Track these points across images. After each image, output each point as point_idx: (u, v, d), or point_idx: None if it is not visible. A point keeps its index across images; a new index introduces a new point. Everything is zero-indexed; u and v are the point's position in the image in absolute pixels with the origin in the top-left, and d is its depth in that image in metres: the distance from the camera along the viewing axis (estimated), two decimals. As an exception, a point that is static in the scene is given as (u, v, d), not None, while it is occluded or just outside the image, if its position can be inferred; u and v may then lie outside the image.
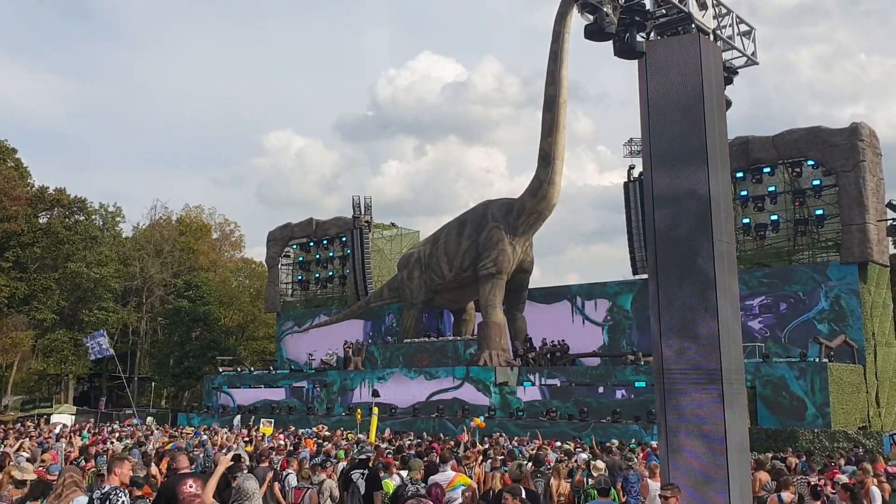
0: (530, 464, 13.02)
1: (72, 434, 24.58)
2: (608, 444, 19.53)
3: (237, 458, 11.47)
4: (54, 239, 57.26)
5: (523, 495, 8.73)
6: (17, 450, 15.13)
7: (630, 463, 14.71)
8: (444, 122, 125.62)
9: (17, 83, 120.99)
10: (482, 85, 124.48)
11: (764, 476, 13.16)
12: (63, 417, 42.07)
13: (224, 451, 16.94)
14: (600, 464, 12.75)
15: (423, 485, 10.00)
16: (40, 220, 59.23)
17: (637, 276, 38.04)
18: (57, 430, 26.74)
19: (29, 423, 33.96)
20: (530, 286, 39.68)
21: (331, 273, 50.76)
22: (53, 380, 65.95)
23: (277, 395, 42.54)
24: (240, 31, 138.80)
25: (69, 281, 58.12)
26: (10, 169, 58.41)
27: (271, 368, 48.72)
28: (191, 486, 5.53)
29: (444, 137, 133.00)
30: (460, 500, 9.65)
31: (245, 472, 10.70)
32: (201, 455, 17.90)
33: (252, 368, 49.44)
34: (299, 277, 52.45)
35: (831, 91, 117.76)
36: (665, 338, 9.85)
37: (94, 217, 64.96)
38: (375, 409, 27.36)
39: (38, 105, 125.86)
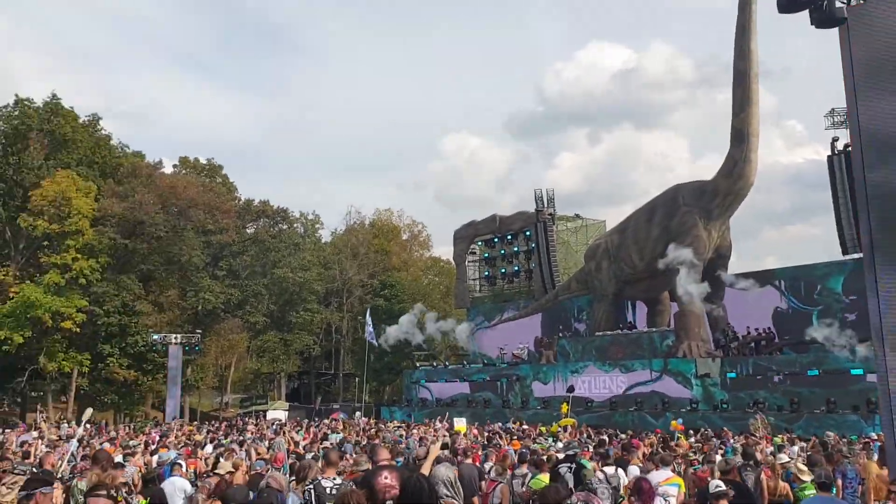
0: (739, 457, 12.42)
1: (293, 430, 26.23)
2: (824, 438, 18.28)
3: (445, 447, 11.79)
4: (262, 247, 61.71)
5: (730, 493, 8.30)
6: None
7: (847, 457, 13.62)
8: (616, 109, 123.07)
9: (218, 105, 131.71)
10: (653, 69, 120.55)
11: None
12: (278, 413, 44.94)
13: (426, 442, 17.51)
14: (806, 474, 11.28)
15: (599, 478, 9.79)
16: (248, 231, 64.07)
17: (847, 256, 35.18)
18: (274, 427, 28.77)
19: (248, 419, 36.92)
20: (729, 272, 37.74)
21: (516, 268, 51.08)
22: (267, 378, 71.09)
23: (473, 388, 43.36)
24: (412, 41, 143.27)
25: (277, 286, 62.29)
26: (219, 185, 63.68)
27: (465, 363, 49.73)
28: (386, 478, 5.72)
29: (618, 125, 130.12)
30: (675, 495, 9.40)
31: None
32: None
33: (448, 363, 50.73)
34: (486, 273, 53.22)
35: None
36: (887, 320, 9.07)
37: (295, 225, 69.28)
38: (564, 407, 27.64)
39: (236, 123, 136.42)
